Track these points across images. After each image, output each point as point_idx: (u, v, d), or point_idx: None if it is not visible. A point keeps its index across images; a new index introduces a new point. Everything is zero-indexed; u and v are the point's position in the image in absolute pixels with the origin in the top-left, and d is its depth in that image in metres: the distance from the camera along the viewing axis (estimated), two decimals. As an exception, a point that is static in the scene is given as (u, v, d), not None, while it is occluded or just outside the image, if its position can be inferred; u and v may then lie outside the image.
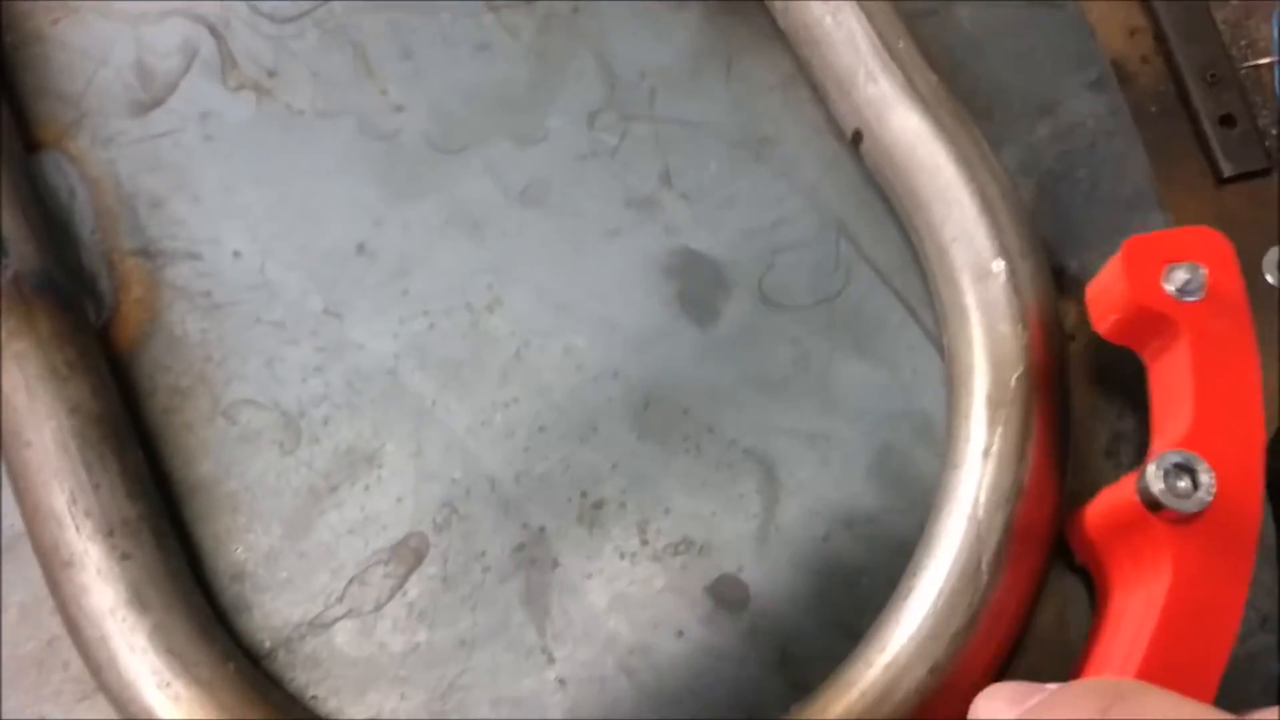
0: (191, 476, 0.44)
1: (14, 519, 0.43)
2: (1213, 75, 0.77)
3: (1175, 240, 0.39)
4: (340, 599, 0.43)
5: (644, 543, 0.43)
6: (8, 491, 0.43)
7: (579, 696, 0.41)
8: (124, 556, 0.39)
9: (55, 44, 0.50)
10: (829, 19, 0.46)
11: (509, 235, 0.47)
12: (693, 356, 0.46)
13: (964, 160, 0.43)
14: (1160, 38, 0.79)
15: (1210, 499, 0.35)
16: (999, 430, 0.40)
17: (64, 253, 0.46)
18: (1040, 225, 0.46)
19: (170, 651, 0.38)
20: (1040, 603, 0.42)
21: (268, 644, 0.42)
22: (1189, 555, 0.36)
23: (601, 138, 0.48)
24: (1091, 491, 0.40)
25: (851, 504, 0.44)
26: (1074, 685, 0.31)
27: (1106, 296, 0.40)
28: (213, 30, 0.50)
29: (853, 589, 0.43)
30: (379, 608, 0.43)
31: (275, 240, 0.47)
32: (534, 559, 0.43)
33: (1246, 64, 0.78)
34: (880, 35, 0.45)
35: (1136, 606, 0.37)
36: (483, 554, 0.43)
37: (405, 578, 0.43)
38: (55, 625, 0.42)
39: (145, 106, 0.49)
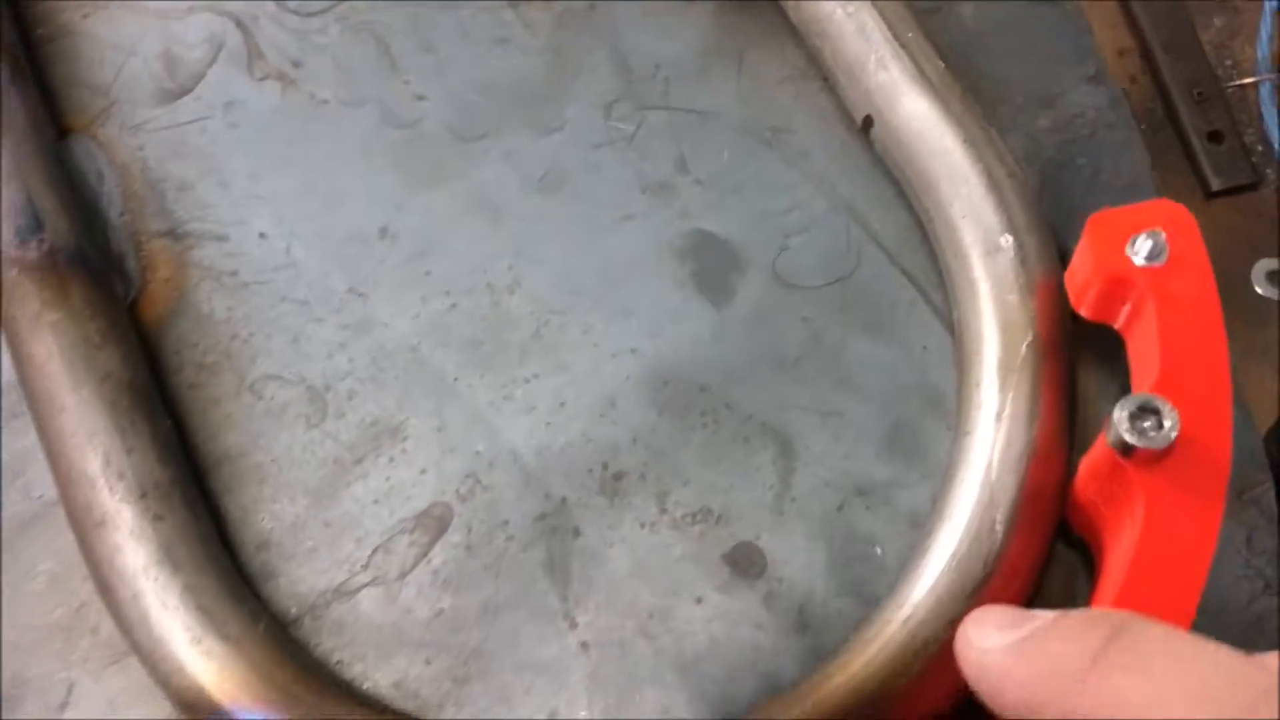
0: (218, 449, 0.45)
1: (42, 489, 0.44)
2: (1199, 94, 0.80)
3: (1137, 214, 0.41)
4: (365, 567, 0.43)
5: (663, 512, 0.44)
6: (37, 462, 0.44)
7: (601, 660, 0.42)
8: (156, 518, 0.40)
9: (85, 37, 0.51)
10: (840, 11, 0.48)
11: (527, 220, 0.49)
12: (708, 335, 0.47)
13: (971, 142, 0.45)
14: (1148, 58, 0.81)
15: (1175, 434, 0.36)
16: (1010, 395, 0.42)
17: (93, 233, 0.47)
18: (1043, 210, 0.47)
19: (201, 609, 0.39)
20: (1049, 570, 0.43)
21: (294, 611, 0.43)
22: (1160, 493, 0.37)
23: (617, 127, 0.50)
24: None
25: (865, 475, 0.45)
26: (1070, 615, 0.31)
27: (1079, 275, 0.43)
28: (239, 24, 0.51)
29: (867, 557, 0.44)
30: (403, 575, 0.43)
31: (300, 223, 0.48)
32: (555, 528, 0.44)
33: (1231, 84, 0.81)
34: (890, 26, 0.47)
35: (1118, 550, 0.38)
36: (505, 523, 0.44)
37: (429, 546, 0.44)
38: (83, 593, 0.43)
39: (172, 95, 0.50)
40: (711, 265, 0.48)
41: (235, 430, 0.45)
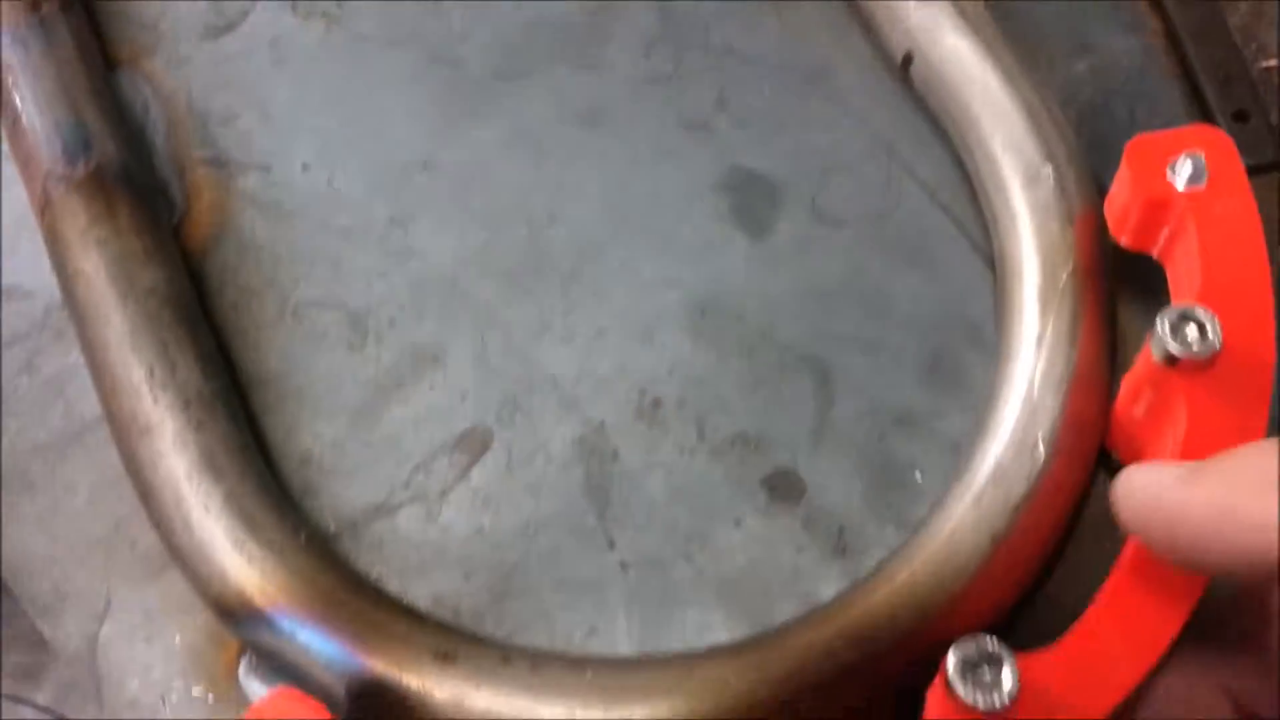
0: (260, 371, 0.45)
1: (83, 409, 0.44)
2: (1225, 75, 0.80)
3: (1176, 138, 0.42)
4: (405, 486, 0.44)
5: (701, 438, 0.44)
6: (77, 382, 0.44)
7: (639, 579, 0.42)
8: (199, 426, 0.40)
9: (132, -27, 0.52)
10: (880, -47, 0.48)
11: (568, 155, 0.49)
12: (747, 268, 0.47)
13: (1009, 76, 0.45)
14: (1173, 40, 0.82)
15: (1218, 343, 0.36)
16: (1050, 320, 0.42)
17: (139, 161, 0.47)
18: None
19: (244, 515, 0.39)
20: (1092, 499, 0.43)
21: (333, 527, 0.43)
22: (1203, 404, 0.37)
23: (658, 66, 0.50)
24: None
25: (905, 405, 0.45)
26: (1242, 447, 0.30)
27: (1118, 201, 0.43)
28: (284, -37, 0.52)
29: (907, 483, 0.44)
30: (443, 494, 0.43)
31: (343, 156, 0.49)
32: (594, 451, 0.44)
33: (1259, 65, 0.82)
34: (930, -36, 0.47)
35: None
36: (544, 446, 0.44)
37: (469, 467, 0.44)
38: (122, 509, 0.43)
39: (218, 31, 0.51)
40: (751, 200, 0.48)
41: (277, 353, 0.46)
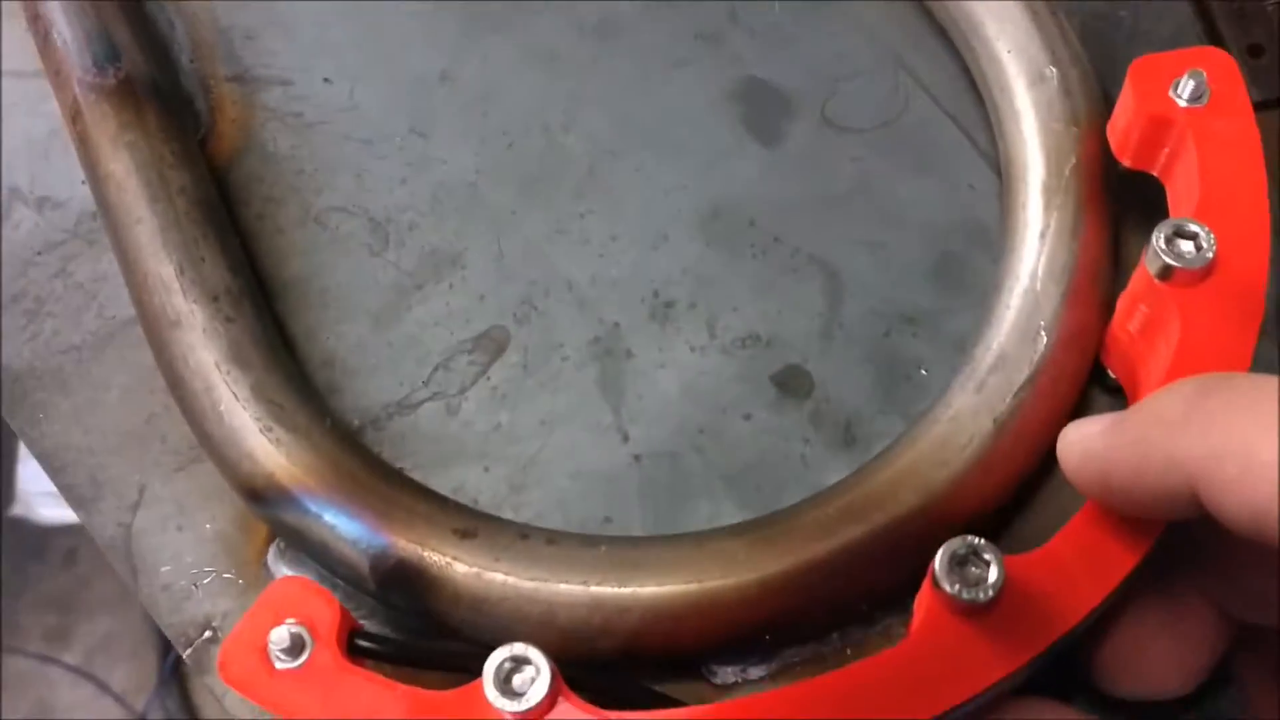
0: (284, 275, 0.47)
1: (115, 311, 0.46)
2: (1240, 9, 0.81)
3: (1180, 59, 0.42)
4: (426, 383, 0.45)
5: (713, 337, 0.45)
6: (109, 285, 0.46)
7: (653, 470, 0.43)
8: (228, 319, 0.42)
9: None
10: None
11: (582, 65, 0.50)
12: (758, 173, 0.48)
13: (1017, -18, 0.46)
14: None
15: (1211, 254, 0.37)
16: (1054, 215, 0.43)
17: (165, 76, 0.48)
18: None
19: (271, 402, 0.41)
20: (1089, 407, 0.43)
21: (356, 423, 0.44)
22: (1196, 315, 0.37)
23: (670, -20, 0.51)
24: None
25: (912, 303, 0.46)
26: (1159, 390, 0.31)
27: (1121, 120, 0.43)
28: (303, -115, 0.53)
29: (913, 378, 0.45)
30: (463, 391, 0.45)
31: (363, 70, 0.50)
32: (609, 350, 0.45)
33: (1272, 2, 0.82)
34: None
35: (1152, 378, 0.38)
36: (561, 345, 0.45)
37: (488, 365, 0.45)
38: (153, 404, 0.44)
39: (240, -49, 0.52)
40: (762, 109, 0.49)
41: (300, 257, 0.47)
